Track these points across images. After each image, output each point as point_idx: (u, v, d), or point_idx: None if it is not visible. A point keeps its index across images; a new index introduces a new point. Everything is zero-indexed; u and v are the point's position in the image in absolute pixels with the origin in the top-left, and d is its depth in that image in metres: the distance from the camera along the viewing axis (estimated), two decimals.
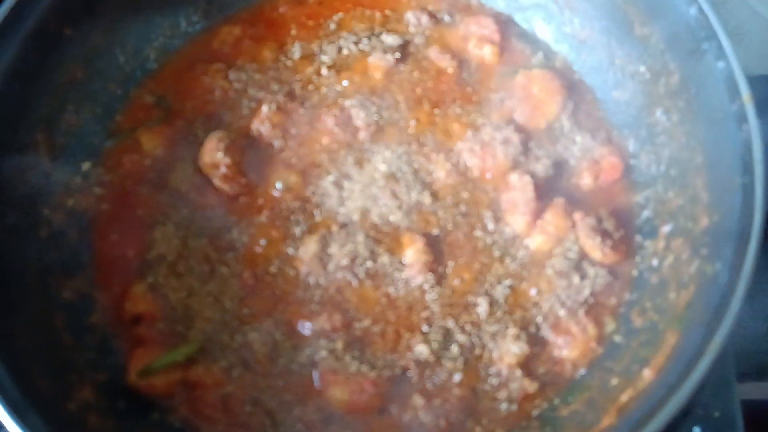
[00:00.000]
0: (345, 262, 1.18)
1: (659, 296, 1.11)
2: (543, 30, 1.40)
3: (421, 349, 1.13)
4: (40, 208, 1.18)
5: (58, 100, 1.24)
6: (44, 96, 1.22)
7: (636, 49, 1.26)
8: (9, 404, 0.91)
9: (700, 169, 1.11)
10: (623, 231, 1.20)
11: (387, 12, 1.43)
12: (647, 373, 0.99)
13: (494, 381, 1.12)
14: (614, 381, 1.06)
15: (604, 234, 1.18)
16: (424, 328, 1.15)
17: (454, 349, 1.13)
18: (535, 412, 1.10)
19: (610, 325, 1.15)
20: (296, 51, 1.38)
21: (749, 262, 0.93)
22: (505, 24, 1.39)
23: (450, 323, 1.15)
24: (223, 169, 1.23)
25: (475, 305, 1.16)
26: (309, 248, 1.19)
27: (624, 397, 1.00)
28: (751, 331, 1.46)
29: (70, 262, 1.19)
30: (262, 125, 1.29)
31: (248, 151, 1.27)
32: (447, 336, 1.14)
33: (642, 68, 1.26)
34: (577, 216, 1.19)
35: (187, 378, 1.11)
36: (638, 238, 1.21)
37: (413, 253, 1.18)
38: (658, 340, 1.02)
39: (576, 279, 1.17)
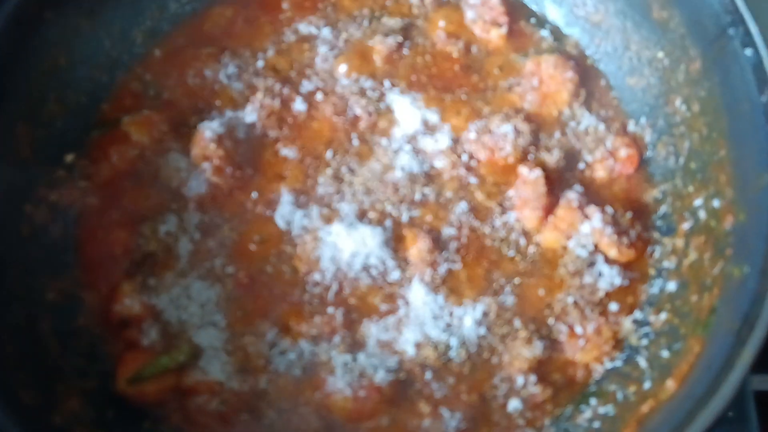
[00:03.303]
0: (345, 260, 1.11)
1: (679, 298, 1.06)
2: (554, 12, 1.33)
3: (427, 353, 1.07)
4: (20, 203, 1.12)
5: (39, 89, 1.17)
6: (24, 84, 1.15)
7: (654, 34, 1.20)
8: None
9: (723, 164, 1.05)
10: (640, 227, 1.15)
11: None
12: (670, 384, 0.94)
13: (504, 387, 1.07)
14: (632, 388, 1.02)
15: (620, 230, 1.13)
16: (430, 330, 1.09)
17: (462, 352, 1.08)
18: (547, 420, 1.05)
19: (626, 327, 1.10)
20: (292, 34, 1.31)
21: None
22: (513, 6, 1.33)
23: (457, 325, 1.09)
24: (215, 161, 1.17)
25: (484, 306, 1.10)
26: (307, 246, 1.13)
27: (645, 408, 0.95)
28: None
29: (54, 261, 1.13)
30: (256, 113, 1.22)
31: (242, 141, 1.20)
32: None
33: (660, 54, 1.20)
34: (591, 211, 1.13)
35: (180, 385, 1.06)
36: (656, 234, 1.16)
37: (417, 250, 1.12)
38: (681, 347, 0.98)
39: (590, 278, 1.12)
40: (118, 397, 1.04)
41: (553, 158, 1.19)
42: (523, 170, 1.16)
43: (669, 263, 1.11)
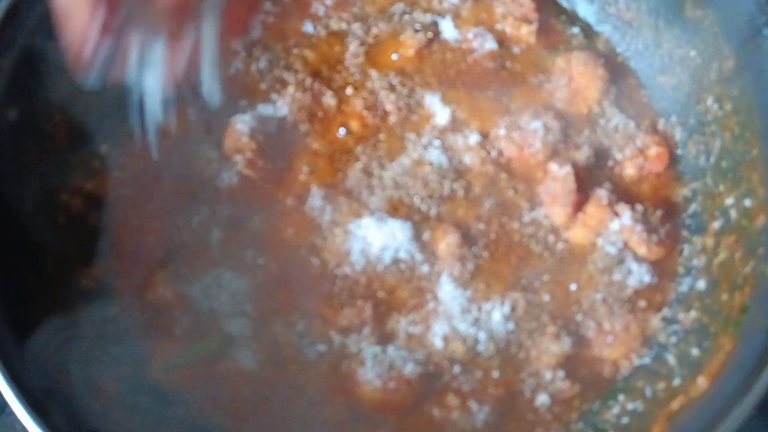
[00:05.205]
0: (375, 253, 1.12)
1: (709, 297, 1.06)
2: (585, 9, 1.33)
3: (456, 347, 1.08)
4: (57, 192, 1.14)
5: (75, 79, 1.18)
6: (60, 74, 1.15)
7: (686, 32, 1.20)
8: (30, 405, 0.87)
9: (756, 163, 1.05)
10: (669, 225, 1.15)
11: None
12: (702, 381, 0.95)
13: (532, 382, 1.07)
14: (661, 385, 1.02)
15: (650, 228, 1.13)
16: (459, 324, 1.10)
17: (490, 347, 1.08)
18: (575, 415, 1.06)
19: (654, 325, 1.10)
20: (323, 28, 1.32)
21: None
22: (544, 2, 1.32)
23: (485, 319, 1.10)
24: (248, 154, 1.17)
25: (512, 301, 1.11)
26: (337, 239, 1.14)
27: (675, 405, 0.96)
28: None
29: (89, 250, 1.14)
30: (288, 107, 1.23)
31: (273, 134, 1.21)
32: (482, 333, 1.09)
33: (692, 52, 1.19)
34: (621, 208, 1.13)
35: (213, 372, 1.08)
36: (685, 233, 1.16)
37: (446, 245, 1.13)
38: (711, 345, 0.98)
39: (619, 275, 1.12)
40: (152, 384, 1.06)
41: (582, 155, 1.20)
42: (552, 167, 1.17)
43: (699, 262, 1.11)
